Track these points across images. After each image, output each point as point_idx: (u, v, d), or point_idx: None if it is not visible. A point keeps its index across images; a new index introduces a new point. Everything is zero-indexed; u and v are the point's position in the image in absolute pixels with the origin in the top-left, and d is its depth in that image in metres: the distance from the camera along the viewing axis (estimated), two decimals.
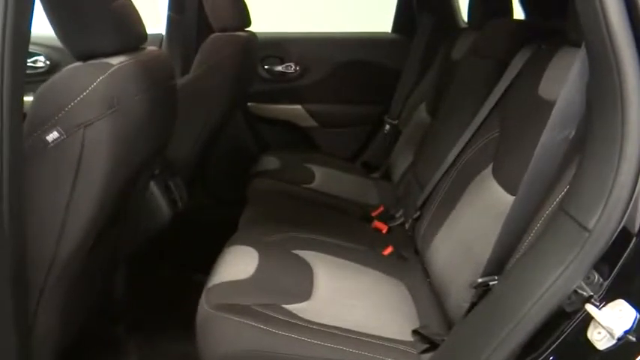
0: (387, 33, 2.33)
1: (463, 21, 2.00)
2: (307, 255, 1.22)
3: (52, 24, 0.90)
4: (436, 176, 1.37)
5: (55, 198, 0.82)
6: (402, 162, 1.85)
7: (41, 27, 2.22)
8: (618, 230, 0.61)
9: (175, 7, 2.10)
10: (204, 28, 1.95)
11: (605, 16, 0.58)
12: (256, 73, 2.18)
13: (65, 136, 0.80)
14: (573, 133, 0.73)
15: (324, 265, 1.19)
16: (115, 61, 0.87)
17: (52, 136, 0.79)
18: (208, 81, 1.65)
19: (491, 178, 1.07)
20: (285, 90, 2.25)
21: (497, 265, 0.83)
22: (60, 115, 0.80)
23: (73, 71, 0.85)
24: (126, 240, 1.36)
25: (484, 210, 1.05)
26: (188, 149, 1.68)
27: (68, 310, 0.96)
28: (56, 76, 0.86)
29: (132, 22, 0.97)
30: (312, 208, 1.62)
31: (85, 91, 0.81)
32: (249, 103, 2.25)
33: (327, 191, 1.79)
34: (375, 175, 2.10)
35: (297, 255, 1.21)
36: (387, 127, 2.17)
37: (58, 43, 2.30)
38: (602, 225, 0.61)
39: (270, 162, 1.97)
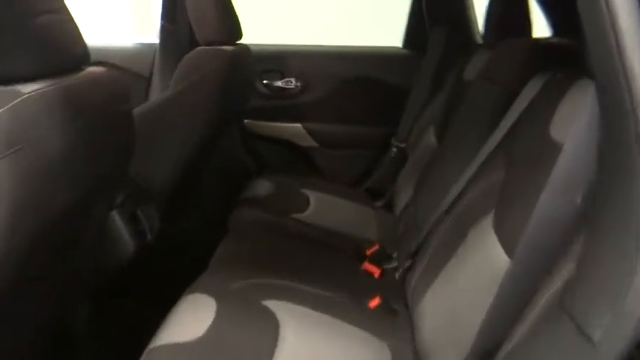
0: (397, 48, 2.17)
1: (480, 36, 1.83)
2: (277, 307, 1.07)
3: None
4: (434, 217, 1.21)
5: None
6: (405, 192, 1.69)
7: None
8: (633, 346, 0.45)
9: (168, 16, 2.00)
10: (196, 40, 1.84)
11: (618, 42, 0.43)
12: (253, 88, 2.06)
13: None
14: (580, 200, 0.57)
15: (295, 321, 1.04)
16: (29, 88, 0.74)
17: None
18: (189, 99, 1.53)
19: (491, 230, 0.91)
20: (285, 107, 2.12)
21: (483, 356, 0.67)
22: None
23: None
24: (84, 278, 1.24)
25: (480, 271, 0.89)
26: (166, 172, 1.56)
27: None
28: None
29: (63, 40, 0.84)
30: (297, 244, 1.47)
31: None
32: (245, 120, 2.13)
33: (320, 223, 1.64)
34: (379, 203, 1.95)
35: (264, 307, 1.06)
36: (394, 150, 2.02)
37: None
38: (610, 339, 0.44)
39: (262, 186, 1.84)
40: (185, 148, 1.59)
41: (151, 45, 2.16)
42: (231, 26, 1.61)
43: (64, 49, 0.84)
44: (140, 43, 2.22)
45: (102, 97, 0.93)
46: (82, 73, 0.89)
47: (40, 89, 0.75)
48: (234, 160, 2.10)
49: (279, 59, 2.10)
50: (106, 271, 1.35)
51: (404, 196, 1.69)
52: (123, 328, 1.48)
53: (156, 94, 2.17)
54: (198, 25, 1.58)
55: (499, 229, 0.88)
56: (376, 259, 1.44)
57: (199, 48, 1.58)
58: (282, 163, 2.16)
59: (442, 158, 1.46)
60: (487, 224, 0.94)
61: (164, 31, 2.05)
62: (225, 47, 1.58)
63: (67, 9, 0.89)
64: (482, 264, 0.89)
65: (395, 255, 1.44)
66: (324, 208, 1.77)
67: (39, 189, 0.79)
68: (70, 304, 1.25)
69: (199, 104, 1.57)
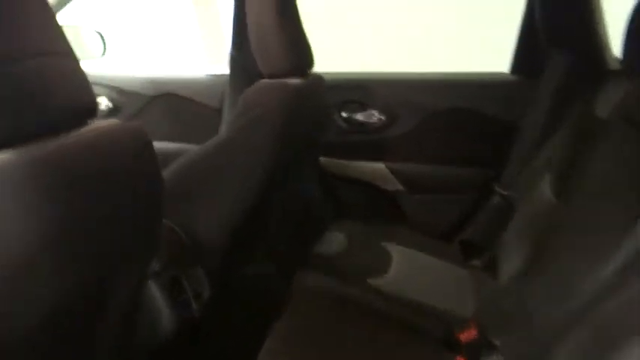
0: (503, 74, 1.84)
1: (615, 60, 1.47)
2: None
3: None
4: (553, 320, 0.89)
5: None
6: (513, 256, 1.36)
7: (103, 66, 2.05)
8: None
9: (237, 44, 1.85)
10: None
11: None
12: (329, 122, 1.84)
13: None
14: None
15: None
16: None
17: None
18: (249, 137, 1.34)
19: None
20: (366, 143, 1.87)
21: None
22: None
23: None
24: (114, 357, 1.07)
25: None
26: (222, 223, 1.37)
27: None
28: None
29: (55, 91, 0.66)
30: (369, 326, 1.21)
31: None
32: (321, 158, 1.91)
33: (402, 292, 1.36)
34: (477, 262, 1.63)
35: None
36: (497, 198, 1.69)
37: (121, 83, 2.13)
38: None
39: (336, 240, 1.59)
40: (244, 194, 1.40)
41: (223, 75, 2.03)
42: (298, 55, 1.40)
43: (51, 104, 0.65)
44: (212, 74, 2.10)
45: (106, 159, 0.73)
46: (81, 131, 0.70)
47: None
48: (307, 205, 1.88)
49: (360, 89, 1.86)
50: (143, 349, 1.17)
51: (512, 261, 1.36)
52: None
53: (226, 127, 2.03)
54: (260, 54, 1.38)
55: None
56: (473, 352, 1.13)
57: (261, 81, 1.38)
58: (361, 209, 1.91)
59: (566, 226, 1.12)
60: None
61: (233, 61, 1.90)
62: (290, 80, 1.37)
63: (67, 50, 0.71)
64: None
65: (498, 343, 1.13)
66: (408, 269, 1.50)
67: (13, 290, 0.60)
68: None
69: (261, 143, 1.38)
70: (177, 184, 1.33)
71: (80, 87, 0.72)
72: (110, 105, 2.16)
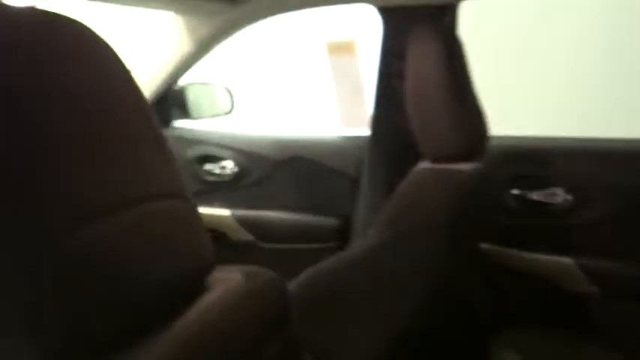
0: None
1: None
2: None
3: None
4: None
5: None
6: None
7: (228, 125, 1.89)
8: None
9: (381, 104, 1.60)
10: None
11: None
12: (498, 202, 1.52)
13: None
14: None
15: None
16: None
17: None
18: (405, 246, 1.07)
19: None
20: (546, 231, 1.51)
21: None
22: None
23: None
24: None
25: None
26: (370, 355, 1.12)
27: None
28: None
29: (168, 249, 0.46)
30: None
31: None
32: (482, 244, 1.58)
33: None
34: None
35: None
36: None
37: (247, 145, 1.96)
38: None
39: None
40: (399, 312, 1.13)
41: (362, 137, 1.80)
42: (472, 135, 1.11)
43: (163, 268, 0.44)
44: (349, 136, 1.89)
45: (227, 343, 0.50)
46: (198, 308, 0.49)
47: None
48: (467, 307, 1.56)
49: (538, 159, 1.51)
50: None
51: None
52: None
53: (364, 200, 1.80)
54: (424, 134, 1.12)
55: None
56: None
57: (424, 168, 1.12)
58: (542, 315, 1.54)
59: None
60: None
61: (376, 123, 1.67)
62: (461, 166, 1.09)
63: (181, 192, 0.50)
64: None
65: None
66: None
67: None
68: None
69: (423, 250, 1.11)
70: (314, 300, 1.10)
71: (199, 237, 0.51)
72: (236, 169, 2.04)
